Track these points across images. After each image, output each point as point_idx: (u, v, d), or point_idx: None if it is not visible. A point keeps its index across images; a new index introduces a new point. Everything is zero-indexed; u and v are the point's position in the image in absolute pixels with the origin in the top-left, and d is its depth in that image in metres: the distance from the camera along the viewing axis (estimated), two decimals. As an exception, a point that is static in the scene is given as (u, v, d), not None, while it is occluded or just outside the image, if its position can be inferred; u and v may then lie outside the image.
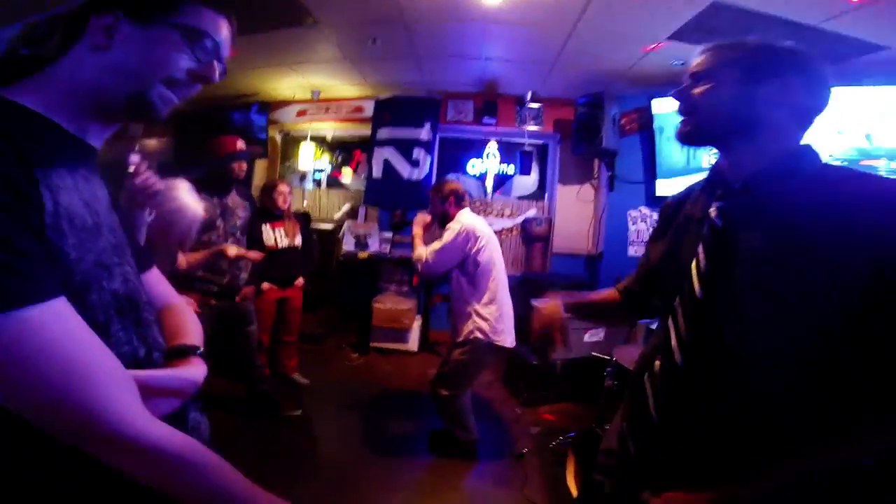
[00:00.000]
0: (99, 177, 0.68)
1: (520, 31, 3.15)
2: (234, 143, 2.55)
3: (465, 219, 2.44)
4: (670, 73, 3.55)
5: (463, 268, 2.40)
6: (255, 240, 2.81)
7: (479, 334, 2.34)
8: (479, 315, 2.36)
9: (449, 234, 2.38)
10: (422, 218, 2.60)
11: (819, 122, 0.85)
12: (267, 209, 3.13)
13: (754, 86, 0.81)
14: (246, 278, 2.63)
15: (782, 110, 0.82)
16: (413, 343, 4.26)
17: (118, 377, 0.54)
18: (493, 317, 2.36)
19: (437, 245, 2.38)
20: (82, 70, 0.63)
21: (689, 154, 3.82)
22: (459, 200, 2.53)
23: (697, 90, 0.86)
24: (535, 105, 4.52)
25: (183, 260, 2.15)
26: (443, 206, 2.51)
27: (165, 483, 0.55)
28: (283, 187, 3.22)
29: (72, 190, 0.57)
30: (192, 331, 0.81)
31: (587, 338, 3.47)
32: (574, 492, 1.98)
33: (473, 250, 2.37)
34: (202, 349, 0.77)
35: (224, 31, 0.70)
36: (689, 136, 0.91)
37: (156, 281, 0.82)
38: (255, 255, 2.55)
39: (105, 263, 0.61)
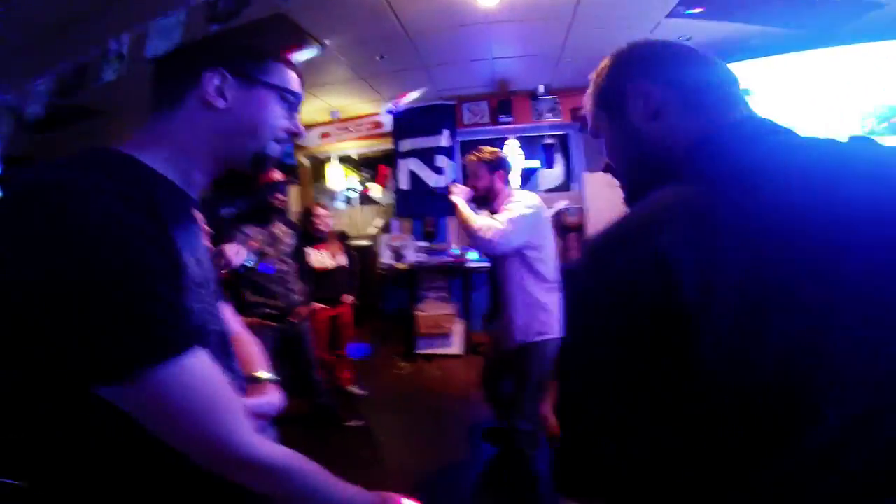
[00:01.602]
0: (197, 224, 0.73)
1: (521, 28, 3.19)
2: (271, 174, 2.70)
3: (530, 196, 2.05)
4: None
5: (523, 254, 1.99)
6: (303, 265, 2.98)
7: (545, 331, 1.97)
8: (541, 306, 1.98)
9: (519, 206, 1.96)
10: (461, 189, 2.12)
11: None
12: (308, 233, 3.30)
13: (619, 118, 0.68)
14: (300, 299, 2.81)
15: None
16: (457, 346, 4.38)
17: (241, 408, 0.63)
18: (556, 306, 1.98)
19: (503, 216, 1.94)
20: (200, 127, 0.67)
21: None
22: (507, 175, 2.11)
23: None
24: (549, 97, 4.53)
25: None
26: (491, 176, 2.06)
27: (282, 494, 0.64)
28: (320, 210, 3.39)
29: (187, 248, 0.62)
30: (261, 360, 0.92)
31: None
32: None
33: (540, 229, 2.03)
34: (277, 378, 0.88)
35: (300, 86, 0.77)
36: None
37: (226, 312, 0.90)
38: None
39: (211, 311, 0.71)
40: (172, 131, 0.67)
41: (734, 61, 3.46)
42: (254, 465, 0.60)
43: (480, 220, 1.98)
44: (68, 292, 0.50)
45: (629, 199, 0.73)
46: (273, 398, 0.83)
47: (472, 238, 2.01)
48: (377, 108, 4.90)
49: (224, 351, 0.74)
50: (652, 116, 0.64)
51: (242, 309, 2.60)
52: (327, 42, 3.21)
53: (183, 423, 0.55)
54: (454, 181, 2.20)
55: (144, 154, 0.64)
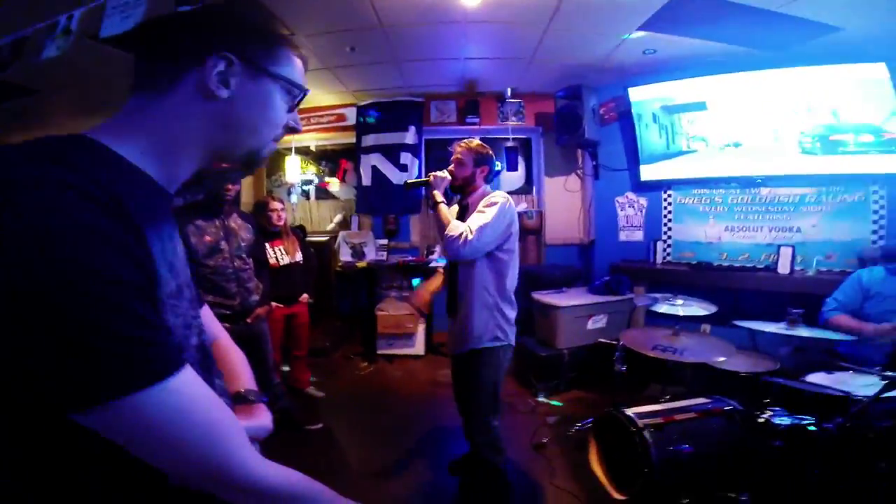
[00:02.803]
0: (173, 225, 0.64)
1: (497, 30, 3.20)
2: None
3: (504, 196, 1.92)
4: (643, 62, 3.68)
5: (492, 254, 1.91)
6: (260, 261, 2.81)
7: (500, 335, 1.94)
8: (500, 312, 1.94)
9: (494, 210, 1.85)
10: (442, 178, 2.00)
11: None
12: (262, 227, 3.10)
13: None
14: (257, 299, 2.64)
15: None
16: (419, 346, 4.32)
17: (239, 429, 0.57)
18: (512, 316, 1.99)
19: (479, 220, 1.84)
20: (194, 118, 0.59)
21: (668, 138, 3.95)
22: (491, 173, 2.04)
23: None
24: (515, 101, 4.60)
25: None
26: (474, 169, 1.99)
27: None
28: (275, 204, 3.20)
29: (161, 255, 0.55)
30: (246, 373, 0.84)
31: (591, 325, 3.58)
32: (600, 475, 2.07)
33: (512, 234, 1.93)
34: (264, 396, 0.81)
35: (304, 76, 0.69)
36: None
37: (206, 316, 0.81)
38: None
39: (189, 323, 0.63)
40: (158, 119, 0.58)
41: (694, 76, 3.68)
42: (259, 489, 0.56)
43: (453, 223, 1.88)
44: (28, 311, 0.42)
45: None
46: (264, 420, 0.77)
47: (440, 238, 1.95)
48: (342, 100, 4.74)
49: (205, 366, 0.67)
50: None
51: None
52: (295, 28, 3.04)
53: (177, 450, 0.50)
54: (433, 172, 2.05)
55: (120, 143, 0.55)
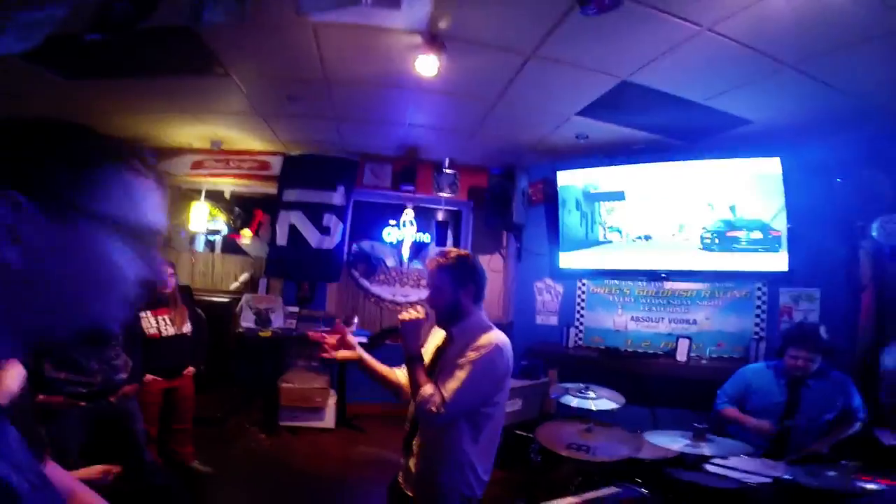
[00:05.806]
0: None
1: (446, 101, 3.22)
2: None
3: (498, 335, 1.55)
4: (574, 146, 3.88)
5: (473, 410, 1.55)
6: (133, 334, 2.39)
7: (466, 492, 1.55)
8: (472, 469, 1.54)
9: (478, 365, 1.49)
10: (412, 322, 1.57)
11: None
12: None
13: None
14: (125, 378, 2.24)
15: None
16: (329, 419, 3.87)
17: None
18: (484, 473, 1.58)
19: (455, 382, 1.48)
20: None
21: (588, 227, 4.21)
22: (480, 291, 1.61)
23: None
24: (451, 172, 4.59)
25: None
26: (456, 292, 1.57)
27: None
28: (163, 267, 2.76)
29: None
30: None
31: (508, 408, 3.48)
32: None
33: (503, 389, 1.56)
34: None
35: None
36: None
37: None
38: None
39: None
40: None
41: (618, 164, 3.96)
42: None
43: (426, 388, 1.50)
44: None
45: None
46: None
47: (413, 400, 1.55)
48: (269, 147, 4.47)
49: None
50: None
51: (42, 387, 2.00)
52: (229, 67, 2.84)
53: None
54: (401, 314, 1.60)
55: None
